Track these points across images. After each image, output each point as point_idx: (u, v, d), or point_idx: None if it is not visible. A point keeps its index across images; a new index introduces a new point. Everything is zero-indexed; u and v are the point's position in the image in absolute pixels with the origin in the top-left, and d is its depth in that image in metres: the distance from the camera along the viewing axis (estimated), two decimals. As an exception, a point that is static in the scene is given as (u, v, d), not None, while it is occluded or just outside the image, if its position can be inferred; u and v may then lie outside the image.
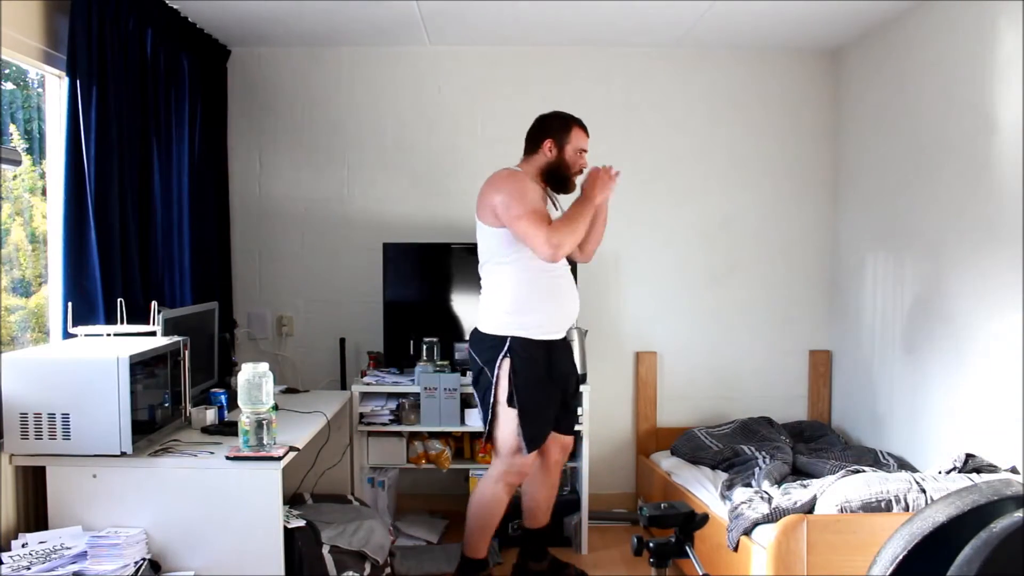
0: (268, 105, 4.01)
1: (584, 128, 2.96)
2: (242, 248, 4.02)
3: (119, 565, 2.19)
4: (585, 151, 2.96)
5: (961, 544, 1.10)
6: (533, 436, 2.86)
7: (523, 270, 2.83)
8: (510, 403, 2.82)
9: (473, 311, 3.85)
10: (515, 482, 2.96)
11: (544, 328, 2.87)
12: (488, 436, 2.93)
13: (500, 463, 2.92)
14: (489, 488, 2.95)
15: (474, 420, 3.52)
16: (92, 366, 2.28)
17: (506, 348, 2.82)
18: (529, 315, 2.84)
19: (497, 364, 2.83)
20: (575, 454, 3.68)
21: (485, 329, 2.89)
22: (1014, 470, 2.72)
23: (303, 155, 4.03)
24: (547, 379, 2.89)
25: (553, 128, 2.92)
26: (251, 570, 2.35)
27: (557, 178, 2.93)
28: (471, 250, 3.84)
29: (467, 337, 3.75)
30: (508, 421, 2.85)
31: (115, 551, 2.21)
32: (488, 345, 2.86)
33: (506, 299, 2.85)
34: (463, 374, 3.57)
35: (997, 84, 2.83)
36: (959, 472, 2.76)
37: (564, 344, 2.99)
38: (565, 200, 3.02)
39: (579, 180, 2.96)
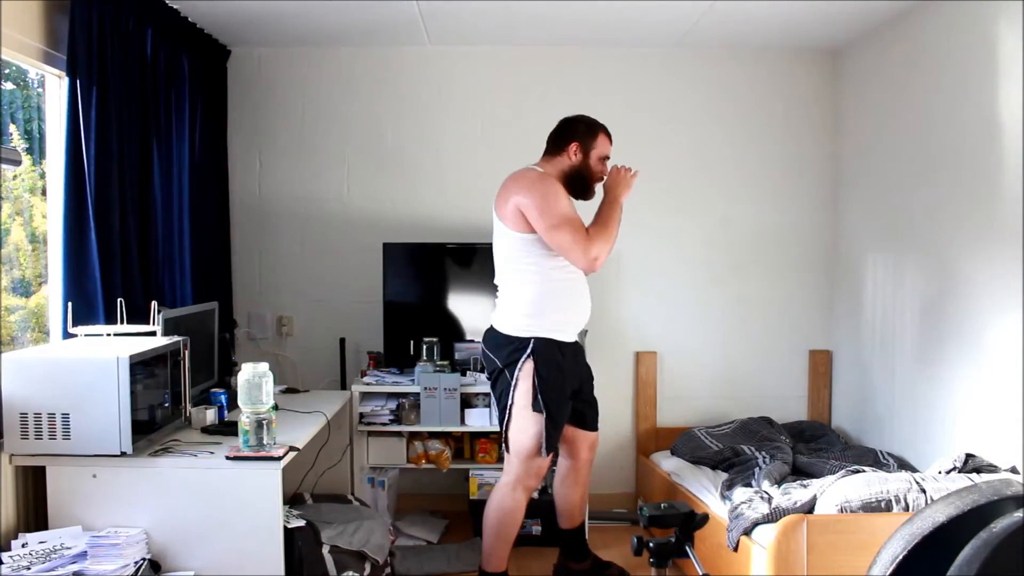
0: (268, 105, 4.01)
1: (609, 135, 2.90)
2: (242, 248, 4.02)
3: (119, 565, 2.19)
4: (608, 158, 2.89)
5: (961, 544, 1.10)
6: (553, 439, 2.80)
7: (544, 273, 2.78)
8: (534, 407, 2.75)
9: (473, 311, 3.88)
10: (534, 485, 2.87)
11: (563, 330, 2.82)
12: (505, 439, 2.86)
13: (517, 467, 2.82)
14: (508, 495, 2.84)
15: (474, 420, 3.53)
16: (92, 366, 2.28)
17: (529, 350, 2.75)
18: (551, 316, 2.79)
19: (519, 367, 2.76)
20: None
21: (505, 330, 2.81)
22: (1014, 470, 2.72)
23: (303, 155, 4.03)
24: (567, 380, 2.84)
25: (579, 132, 2.85)
26: (251, 570, 2.35)
27: (579, 184, 2.85)
28: (471, 250, 3.88)
29: (467, 337, 3.80)
30: (529, 424, 2.76)
31: (115, 551, 2.21)
32: (511, 347, 2.79)
33: (528, 301, 2.79)
34: (463, 374, 3.58)
35: (997, 84, 2.83)
36: (959, 472, 2.76)
37: (577, 346, 2.95)
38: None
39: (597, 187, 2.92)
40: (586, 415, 3.02)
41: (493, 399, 2.93)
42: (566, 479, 3.09)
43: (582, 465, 3.07)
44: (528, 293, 2.80)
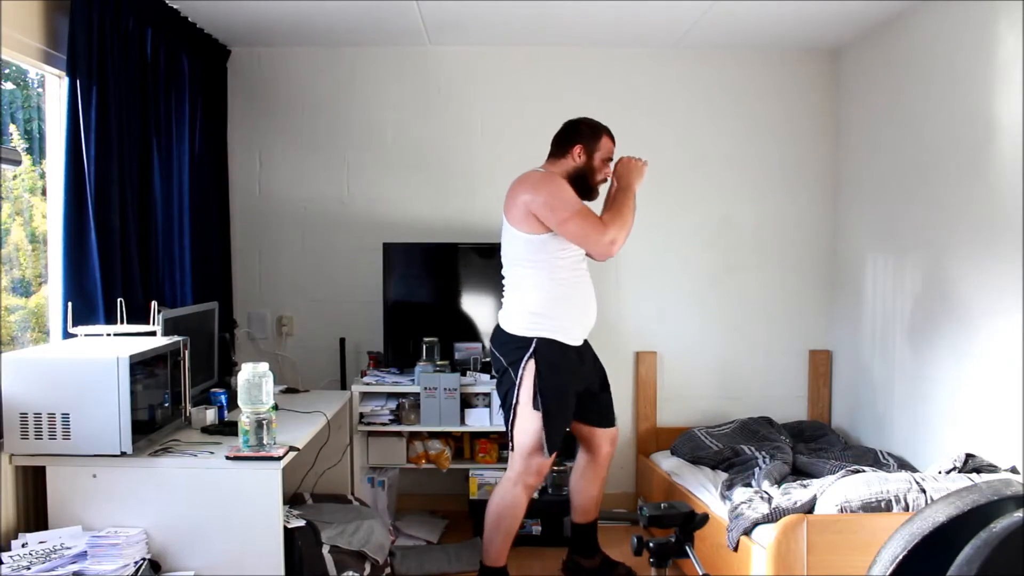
0: (268, 105, 4.01)
1: (612, 137, 2.96)
2: (242, 248, 4.02)
3: (119, 565, 2.19)
4: (611, 160, 2.95)
5: (961, 544, 1.09)
6: (555, 438, 2.84)
7: (550, 274, 2.82)
8: (534, 406, 2.79)
9: (473, 311, 3.88)
10: (534, 483, 2.91)
11: (567, 332, 2.86)
12: (510, 436, 2.90)
13: (518, 464, 2.87)
14: (508, 491, 2.90)
15: (474, 420, 3.53)
16: (92, 366, 2.28)
17: (532, 349, 2.80)
18: (555, 318, 2.83)
19: (522, 365, 2.81)
20: (574, 454, 3.68)
21: (510, 330, 2.87)
22: (1014, 470, 2.72)
23: (303, 155, 4.03)
24: (570, 381, 2.88)
25: (584, 135, 2.91)
26: (251, 570, 2.35)
27: (582, 185, 2.91)
28: (471, 250, 3.88)
29: (467, 337, 3.80)
30: (530, 422, 2.81)
31: (115, 551, 2.21)
32: (514, 346, 2.84)
33: (533, 302, 2.83)
34: (463, 374, 3.58)
35: (997, 84, 2.83)
36: (959, 472, 2.76)
37: (584, 347, 2.98)
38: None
39: (603, 188, 2.99)
40: (601, 413, 3.07)
41: (499, 396, 2.97)
42: (585, 473, 3.13)
43: (602, 460, 3.11)
44: (533, 294, 2.84)
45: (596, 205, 2.95)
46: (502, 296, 2.98)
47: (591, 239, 2.76)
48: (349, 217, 4.04)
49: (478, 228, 4.00)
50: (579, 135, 2.90)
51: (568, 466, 3.67)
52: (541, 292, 2.83)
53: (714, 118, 4.05)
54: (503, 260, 2.95)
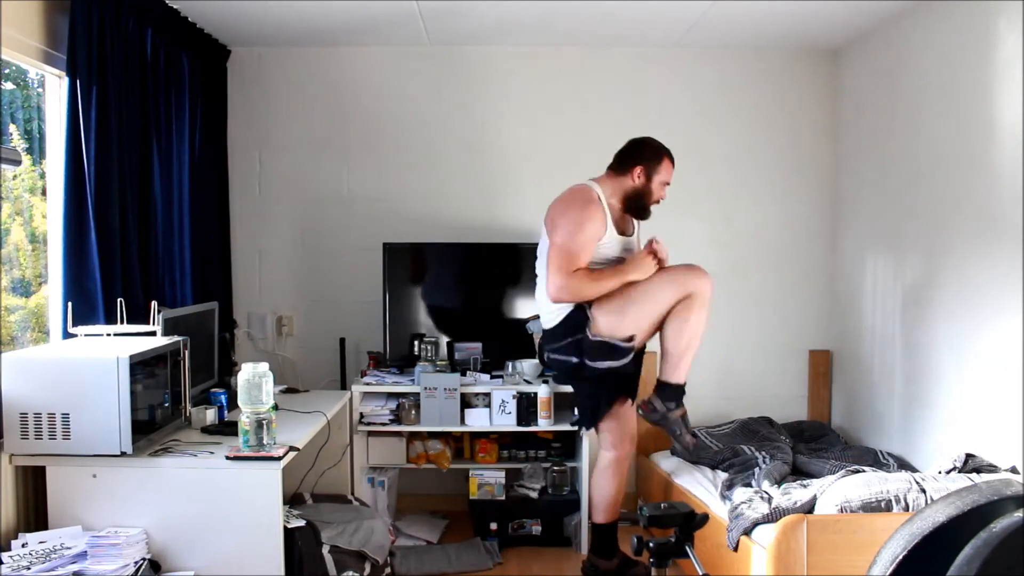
0: (268, 105, 4.01)
1: (673, 161, 2.99)
2: (242, 248, 4.02)
3: (119, 565, 2.19)
4: (669, 184, 2.99)
5: (961, 544, 1.09)
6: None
7: None
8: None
9: (474, 310, 3.88)
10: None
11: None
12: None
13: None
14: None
15: (474, 420, 3.52)
16: (92, 366, 2.28)
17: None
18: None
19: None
20: (574, 454, 3.68)
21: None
22: (1014, 470, 2.72)
23: (303, 155, 4.03)
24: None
25: (646, 156, 2.94)
26: (251, 570, 2.35)
27: (638, 205, 2.97)
28: (472, 249, 3.88)
29: (469, 336, 3.79)
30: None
31: (115, 551, 2.21)
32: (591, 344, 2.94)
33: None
34: (463, 374, 3.58)
35: (997, 84, 2.83)
36: (959, 472, 2.76)
37: None
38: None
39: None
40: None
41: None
42: (605, 471, 3.14)
43: (624, 458, 3.15)
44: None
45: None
46: (532, 297, 3.11)
47: (551, 275, 2.84)
48: (349, 217, 4.04)
49: (479, 228, 4.01)
50: (641, 156, 2.94)
51: (568, 466, 3.68)
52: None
53: (714, 118, 4.05)
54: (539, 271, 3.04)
